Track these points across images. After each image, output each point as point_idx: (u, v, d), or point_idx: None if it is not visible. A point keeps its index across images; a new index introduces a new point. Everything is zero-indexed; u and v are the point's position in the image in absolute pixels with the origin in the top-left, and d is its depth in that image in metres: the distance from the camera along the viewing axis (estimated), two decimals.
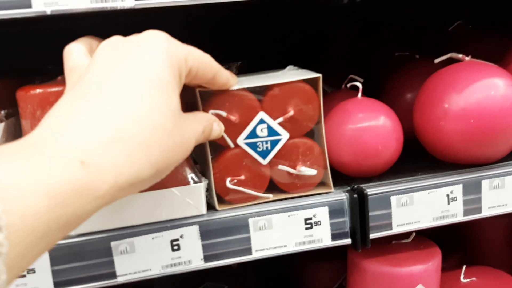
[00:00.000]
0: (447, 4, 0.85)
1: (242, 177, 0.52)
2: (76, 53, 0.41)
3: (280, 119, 0.51)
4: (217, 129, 0.47)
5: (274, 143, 0.52)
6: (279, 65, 0.63)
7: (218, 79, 0.45)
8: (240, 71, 0.78)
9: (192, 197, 0.50)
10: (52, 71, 0.53)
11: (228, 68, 0.51)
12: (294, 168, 0.53)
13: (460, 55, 0.58)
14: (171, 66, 0.37)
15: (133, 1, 0.43)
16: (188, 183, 0.50)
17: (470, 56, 0.58)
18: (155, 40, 0.38)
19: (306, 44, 0.97)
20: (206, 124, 0.44)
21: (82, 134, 0.32)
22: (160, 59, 0.37)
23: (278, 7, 0.81)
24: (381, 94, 0.70)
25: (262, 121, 0.51)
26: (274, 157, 0.52)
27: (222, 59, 0.47)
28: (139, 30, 0.41)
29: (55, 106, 0.35)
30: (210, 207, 0.52)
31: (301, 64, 0.65)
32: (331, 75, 0.64)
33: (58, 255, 0.47)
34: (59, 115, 0.34)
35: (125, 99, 0.34)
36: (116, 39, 0.38)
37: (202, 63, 0.41)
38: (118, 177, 0.33)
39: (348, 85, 0.63)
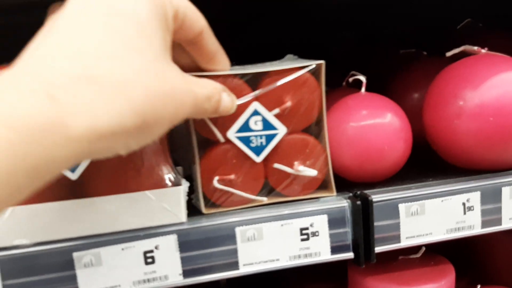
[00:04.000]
0: (454, 2, 0.80)
1: (233, 176, 0.46)
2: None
3: (276, 111, 0.46)
4: (228, 100, 0.41)
5: (269, 138, 0.46)
6: None
7: (206, 37, 0.40)
8: None
9: (169, 202, 0.43)
10: None
11: None
12: (291, 167, 0.47)
13: (476, 48, 0.52)
14: (153, 4, 0.34)
15: None
16: (165, 185, 0.43)
17: (486, 49, 0.52)
18: None
19: (304, 47, 0.93)
20: (213, 90, 0.39)
21: (48, 67, 0.30)
22: None
23: (275, 10, 0.77)
24: (385, 94, 0.65)
25: (256, 113, 0.45)
26: (270, 154, 0.47)
27: None
28: None
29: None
30: (197, 210, 0.47)
31: None
32: (330, 78, 0.59)
33: (11, 268, 0.41)
34: (25, 53, 0.32)
35: (96, 36, 0.32)
36: None
37: (189, 8, 0.38)
38: (95, 120, 0.30)
39: (350, 79, 0.56)
